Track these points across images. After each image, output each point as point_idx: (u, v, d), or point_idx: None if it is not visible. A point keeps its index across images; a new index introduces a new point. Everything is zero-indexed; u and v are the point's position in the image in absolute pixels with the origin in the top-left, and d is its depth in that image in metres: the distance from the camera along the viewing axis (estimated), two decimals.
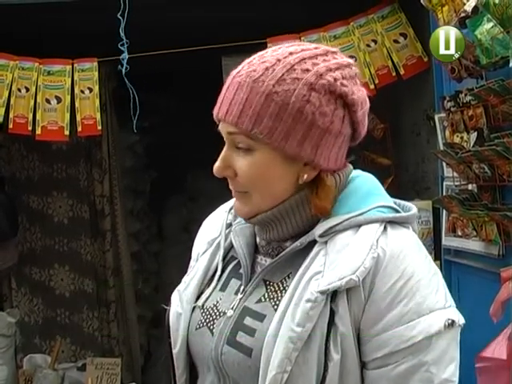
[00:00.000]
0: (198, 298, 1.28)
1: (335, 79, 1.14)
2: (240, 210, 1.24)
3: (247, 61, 1.20)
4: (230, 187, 1.23)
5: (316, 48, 1.20)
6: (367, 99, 1.21)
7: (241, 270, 1.25)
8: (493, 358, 2.13)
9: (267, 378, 1.10)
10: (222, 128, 1.19)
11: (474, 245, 2.66)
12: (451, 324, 1.13)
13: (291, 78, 1.14)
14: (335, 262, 1.13)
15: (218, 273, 1.28)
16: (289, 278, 1.19)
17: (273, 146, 1.14)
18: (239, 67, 1.19)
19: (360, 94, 1.19)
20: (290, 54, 1.17)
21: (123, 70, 3.22)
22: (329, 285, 1.11)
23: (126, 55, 3.21)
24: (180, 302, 1.28)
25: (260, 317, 1.18)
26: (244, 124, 1.14)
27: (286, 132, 1.13)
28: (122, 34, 3.17)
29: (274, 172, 1.17)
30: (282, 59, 1.16)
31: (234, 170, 1.19)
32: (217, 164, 1.20)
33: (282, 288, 1.19)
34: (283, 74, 1.14)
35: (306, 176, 1.17)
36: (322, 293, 1.10)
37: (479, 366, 2.17)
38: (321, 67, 1.15)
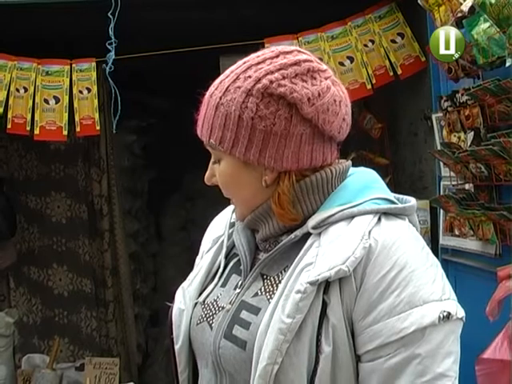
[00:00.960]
0: (201, 294, 1.30)
1: (271, 81, 1.16)
2: (235, 213, 1.31)
3: None
4: None
5: (272, 51, 1.21)
6: (327, 93, 1.18)
7: (241, 267, 1.27)
8: (495, 359, 2.08)
9: (258, 369, 1.11)
10: None
11: (471, 244, 2.67)
12: (447, 316, 1.11)
13: (234, 88, 1.18)
14: (327, 252, 1.14)
15: (221, 270, 1.31)
16: (285, 271, 1.20)
17: (227, 154, 1.20)
18: None
19: (308, 89, 1.16)
20: (244, 63, 1.21)
21: (107, 69, 3.23)
22: (318, 275, 1.11)
23: (112, 54, 3.21)
24: (183, 298, 1.31)
25: (255, 310, 1.19)
26: (204, 136, 1.22)
27: (234, 139, 1.18)
28: (111, 33, 3.17)
29: (238, 178, 1.22)
30: (234, 70, 1.21)
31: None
32: (206, 174, 1.28)
33: (277, 281, 1.20)
34: (229, 85, 1.19)
35: (266, 178, 1.20)
36: (311, 283, 1.11)
37: (480, 368, 2.12)
38: (260, 72, 1.17)
